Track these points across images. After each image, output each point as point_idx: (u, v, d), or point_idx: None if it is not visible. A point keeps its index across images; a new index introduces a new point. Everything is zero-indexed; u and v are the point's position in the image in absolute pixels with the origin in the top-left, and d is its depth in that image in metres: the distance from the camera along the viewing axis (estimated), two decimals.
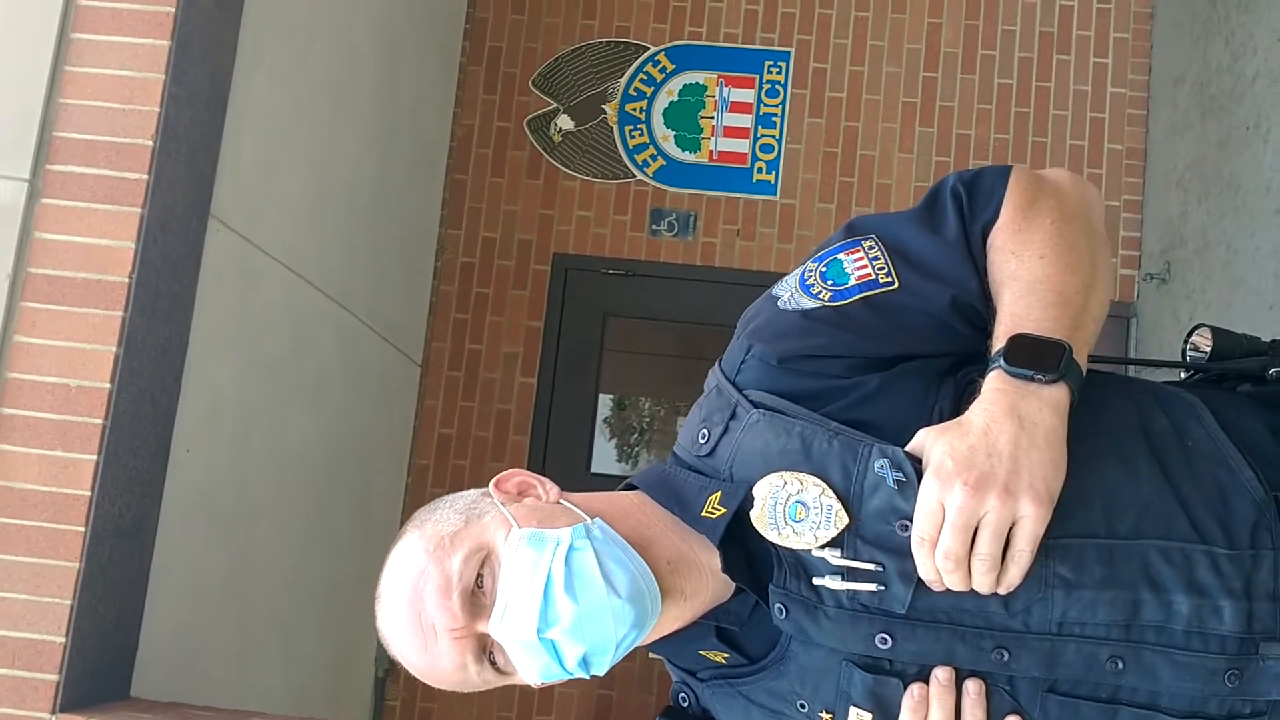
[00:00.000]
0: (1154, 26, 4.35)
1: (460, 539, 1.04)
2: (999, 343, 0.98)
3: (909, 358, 1.04)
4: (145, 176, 2.34)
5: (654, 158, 4.41)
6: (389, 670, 4.07)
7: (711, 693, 1.13)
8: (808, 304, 1.06)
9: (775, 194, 4.35)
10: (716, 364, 1.15)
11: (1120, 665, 0.97)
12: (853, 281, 1.06)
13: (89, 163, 2.35)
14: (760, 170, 4.36)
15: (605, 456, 4.42)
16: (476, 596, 1.03)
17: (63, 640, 2.26)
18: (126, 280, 2.32)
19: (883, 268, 1.06)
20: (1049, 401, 0.95)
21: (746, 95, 4.41)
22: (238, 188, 2.76)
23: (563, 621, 1.00)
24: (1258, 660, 0.96)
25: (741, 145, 4.38)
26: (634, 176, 4.40)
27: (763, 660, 1.09)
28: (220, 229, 2.69)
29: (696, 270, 4.32)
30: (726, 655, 1.11)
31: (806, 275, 1.09)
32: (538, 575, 1.01)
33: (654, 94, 4.45)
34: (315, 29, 3.16)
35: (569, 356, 4.33)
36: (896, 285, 1.05)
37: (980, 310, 1.04)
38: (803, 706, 1.05)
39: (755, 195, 4.35)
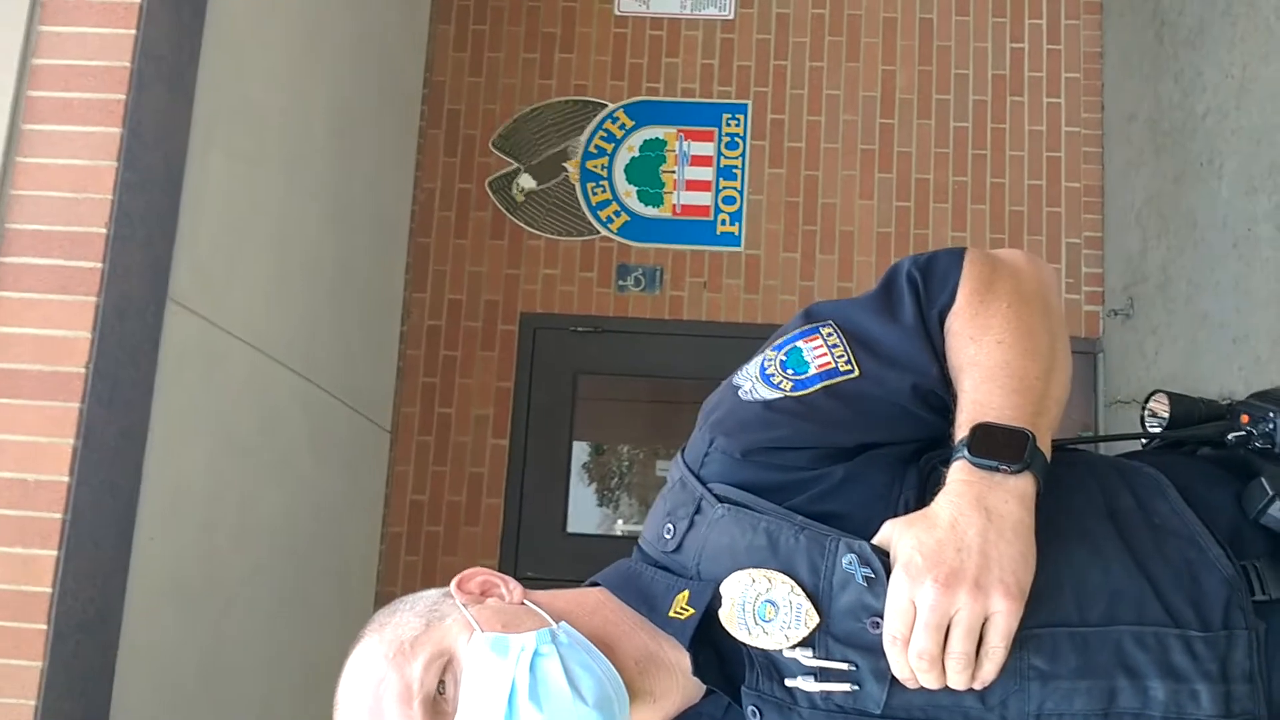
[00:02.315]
0: (1104, 65, 4.42)
1: (420, 644, 1.01)
2: (961, 431, 0.97)
3: (873, 446, 1.03)
4: (100, 265, 2.32)
5: (617, 214, 4.42)
6: None
7: None
8: (769, 394, 1.05)
9: (740, 245, 4.36)
10: (679, 455, 1.13)
11: None
12: (813, 370, 1.05)
13: (42, 253, 2.32)
14: (724, 222, 4.38)
15: (581, 517, 4.39)
16: (438, 704, 1.00)
17: None
18: (83, 371, 2.28)
19: (842, 355, 1.05)
20: (1015, 492, 0.94)
21: (706, 148, 4.44)
22: (196, 269, 2.74)
23: None
24: None
25: (704, 198, 4.40)
26: (598, 233, 4.41)
27: None
28: (180, 312, 2.66)
29: (665, 324, 4.32)
30: None
31: (766, 364, 1.08)
32: (501, 683, 0.99)
33: (614, 150, 4.47)
34: (269, 103, 3.15)
35: (540, 417, 4.30)
36: (857, 373, 1.04)
37: (942, 395, 1.03)
38: None
39: (720, 247, 4.36)
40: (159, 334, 2.55)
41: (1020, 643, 0.93)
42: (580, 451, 4.42)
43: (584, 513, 4.42)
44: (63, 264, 2.32)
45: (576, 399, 4.34)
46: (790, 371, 1.06)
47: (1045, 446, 0.96)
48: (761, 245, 4.36)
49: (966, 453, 0.95)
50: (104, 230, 2.33)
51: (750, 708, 1.01)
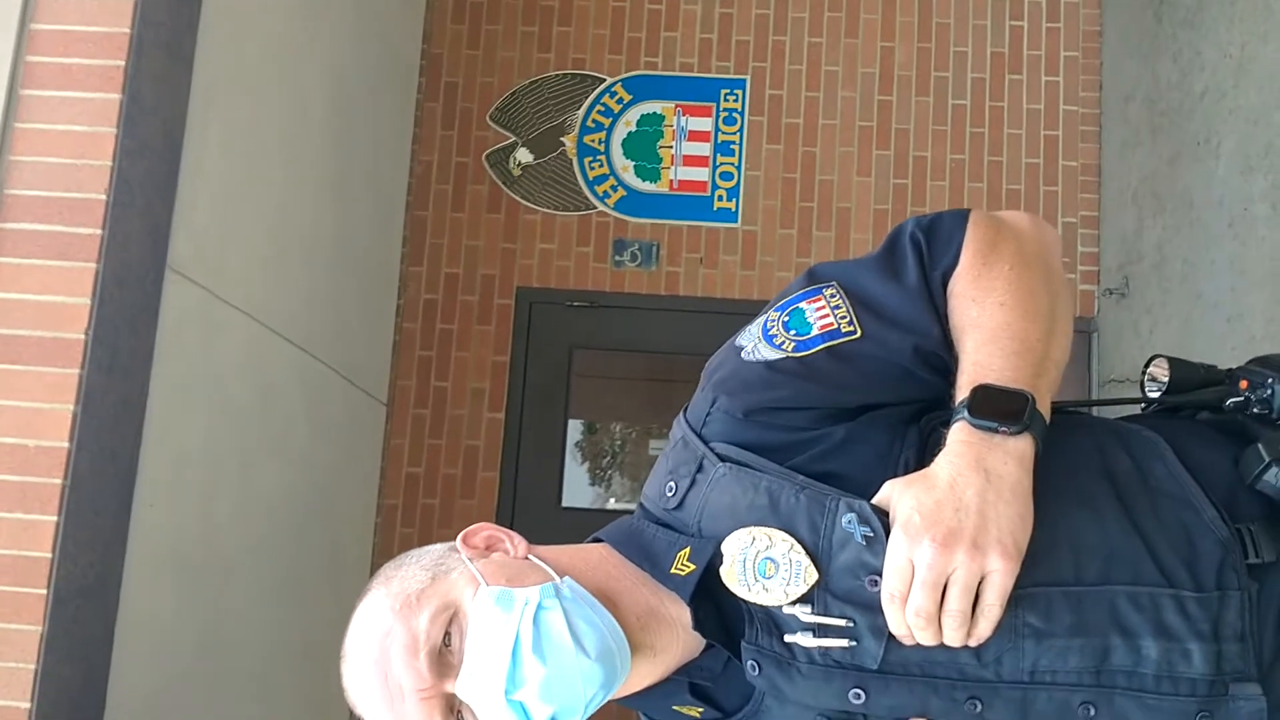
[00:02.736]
0: (1103, 44, 4.42)
1: (427, 597, 1.03)
2: (962, 393, 0.98)
3: (874, 407, 1.04)
4: (99, 231, 2.32)
5: (614, 188, 4.41)
6: None
7: None
8: (772, 355, 1.06)
9: (736, 221, 4.36)
10: (682, 414, 1.14)
11: (1092, 712, 0.97)
12: (815, 331, 1.06)
13: (42, 219, 2.32)
14: (721, 198, 4.38)
15: (576, 491, 4.40)
16: (444, 655, 1.02)
17: (28, 706, 2.21)
18: (83, 337, 2.28)
19: (844, 316, 1.06)
20: (1014, 454, 0.95)
21: (704, 124, 4.43)
22: (195, 238, 2.74)
23: (531, 683, 0.99)
24: (1228, 701, 0.97)
25: (701, 174, 4.40)
26: (595, 208, 4.41)
27: (737, 714, 1.08)
28: (178, 280, 2.66)
29: (661, 300, 4.33)
30: (700, 710, 1.10)
31: (769, 325, 1.09)
32: (506, 636, 1.00)
33: (612, 125, 4.46)
34: (268, 74, 3.14)
35: (536, 391, 4.31)
36: (859, 334, 1.05)
37: (943, 356, 1.04)
38: None
39: (717, 223, 4.36)
40: (158, 302, 2.55)
41: (1016, 601, 0.95)
42: (575, 430, 4.43)
43: (579, 487, 4.44)
44: (62, 230, 2.32)
45: (572, 374, 4.35)
46: (793, 332, 1.07)
47: (1045, 408, 0.97)
48: (758, 221, 4.36)
49: (966, 414, 0.96)
50: (103, 197, 2.33)
51: (750, 662, 1.02)
